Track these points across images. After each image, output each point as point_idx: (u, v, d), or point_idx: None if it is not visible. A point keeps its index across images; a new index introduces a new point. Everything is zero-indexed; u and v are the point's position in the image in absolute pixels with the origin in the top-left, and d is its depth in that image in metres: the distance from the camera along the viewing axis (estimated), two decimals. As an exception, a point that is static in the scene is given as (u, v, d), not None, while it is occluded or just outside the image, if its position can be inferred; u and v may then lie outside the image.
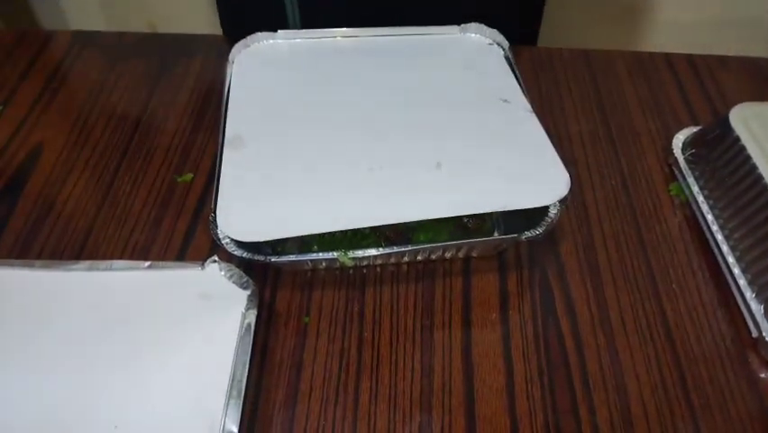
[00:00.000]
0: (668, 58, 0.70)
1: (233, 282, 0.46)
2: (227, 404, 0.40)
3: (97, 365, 0.42)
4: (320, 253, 0.46)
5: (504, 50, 0.60)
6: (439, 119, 0.53)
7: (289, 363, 0.45)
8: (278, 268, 0.49)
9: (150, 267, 0.47)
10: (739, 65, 0.70)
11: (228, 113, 0.53)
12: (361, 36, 0.61)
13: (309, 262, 0.48)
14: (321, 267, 0.49)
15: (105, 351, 0.43)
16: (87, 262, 0.47)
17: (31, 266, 0.47)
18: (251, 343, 0.43)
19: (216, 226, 0.45)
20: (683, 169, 0.57)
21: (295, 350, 0.46)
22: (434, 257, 0.50)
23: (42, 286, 0.45)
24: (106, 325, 0.44)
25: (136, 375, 0.41)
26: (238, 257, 0.45)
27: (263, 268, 0.49)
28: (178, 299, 0.45)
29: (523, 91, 0.55)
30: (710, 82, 0.68)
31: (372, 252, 0.46)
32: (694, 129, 0.59)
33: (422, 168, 0.49)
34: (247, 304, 0.45)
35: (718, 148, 0.53)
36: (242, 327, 0.44)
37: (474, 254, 0.51)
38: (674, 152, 0.59)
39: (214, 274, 0.46)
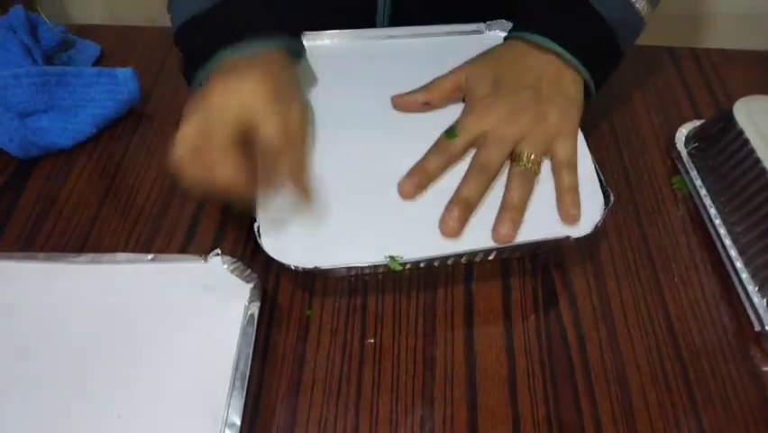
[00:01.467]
0: (671, 51, 0.70)
1: (236, 275, 0.46)
2: (230, 396, 0.40)
3: (101, 356, 0.42)
4: (369, 261, 0.45)
5: None
6: None
7: (292, 355, 0.45)
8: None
9: (153, 259, 0.47)
10: (743, 58, 0.69)
11: None
12: (382, 38, 0.60)
13: (358, 270, 0.47)
14: (365, 273, 0.48)
15: (109, 342, 0.43)
16: (90, 255, 0.47)
17: (34, 258, 0.47)
18: (253, 335, 0.43)
19: (260, 236, 0.45)
20: (686, 162, 0.57)
21: (297, 342, 0.46)
22: (477, 260, 0.49)
23: (46, 278, 0.46)
24: (110, 317, 0.44)
25: (139, 366, 0.42)
26: (279, 262, 0.44)
27: (266, 261, 0.49)
28: (181, 291, 0.45)
29: None
30: (714, 76, 0.67)
31: (419, 256, 0.45)
32: (697, 123, 0.59)
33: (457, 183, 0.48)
34: (250, 296, 0.45)
35: (722, 141, 0.53)
36: (244, 319, 0.44)
37: (516, 256, 0.50)
38: (677, 145, 0.58)
39: (216, 267, 0.46)
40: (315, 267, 0.44)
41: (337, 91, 0.55)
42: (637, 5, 0.53)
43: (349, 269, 0.46)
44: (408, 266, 0.47)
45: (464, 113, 0.52)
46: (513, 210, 0.47)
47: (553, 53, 0.52)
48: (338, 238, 0.46)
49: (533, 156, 0.49)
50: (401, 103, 0.54)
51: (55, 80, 0.57)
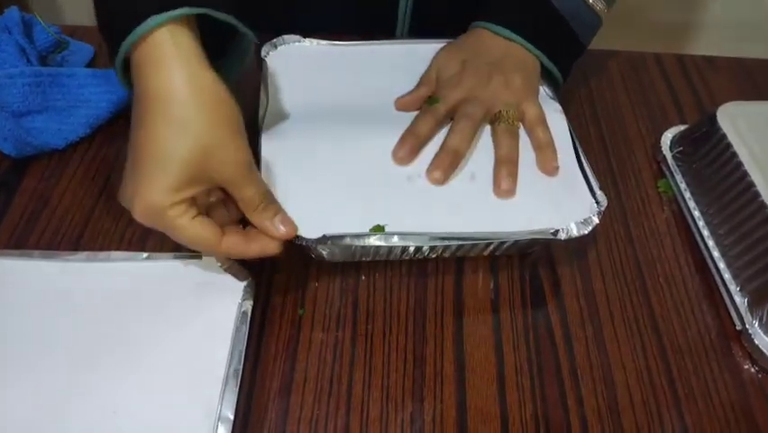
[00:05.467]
0: (658, 57, 0.72)
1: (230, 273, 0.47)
2: (223, 392, 0.41)
3: (96, 353, 0.43)
4: (372, 239, 0.45)
5: None
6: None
7: (284, 353, 0.46)
8: (274, 261, 0.50)
9: (147, 258, 0.47)
10: (727, 65, 0.71)
11: (267, 111, 0.54)
12: (391, 45, 0.63)
13: (359, 249, 0.47)
14: (367, 259, 0.49)
15: (104, 339, 0.43)
16: (86, 253, 0.47)
17: (29, 256, 0.47)
18: (246, 333, 0.44)
19: None
20: (671, 166, 0.58)
21: (289, 341, 0.46)
22: (473, 255, 0.50)
23: (41, 276, 0.46)
24: (105, 314, 0.44)
25: (135, 363, 0.42)
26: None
27: (260, 260, 0.50)
28: (175, 289, 0.46)
29: (550, 94, 0.58)
30: (699, 81, 0.69)
31: (417, 243, 0.46)
32: (682, 127, 0.60)
33: (457, 179, 0.50)
34: (243, 295, 0.46)
35: (705, 145, 0.55)
36: (238, 317, 0.45)
37: (508, 253, 0.51)
38: (663, 149, 0.60)
39: (210, 265, 0.47)
40: (323, 235, 0.44)
41: (337, 89, 0.57)
42: (590, 1, 0.58)
43: (348, 247, 0.46)
44: (407, 256, 0.48)
45: (438, 88, 0.56)
46: (509, 163, 0.51)
47: (510, 40, 0.57)
48: (337, 211, 0.47)
49: (511, 112, 0.53)
50: (407, 102, 0.56)
51: (49, 81, 0.57)
